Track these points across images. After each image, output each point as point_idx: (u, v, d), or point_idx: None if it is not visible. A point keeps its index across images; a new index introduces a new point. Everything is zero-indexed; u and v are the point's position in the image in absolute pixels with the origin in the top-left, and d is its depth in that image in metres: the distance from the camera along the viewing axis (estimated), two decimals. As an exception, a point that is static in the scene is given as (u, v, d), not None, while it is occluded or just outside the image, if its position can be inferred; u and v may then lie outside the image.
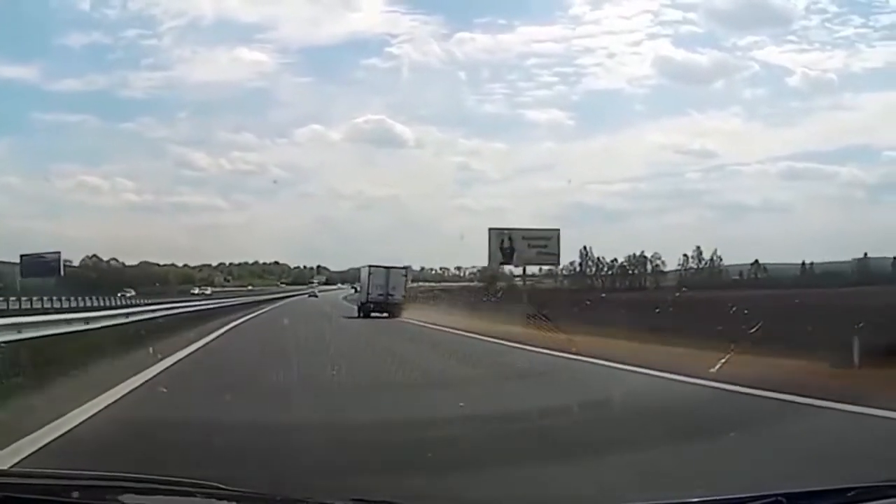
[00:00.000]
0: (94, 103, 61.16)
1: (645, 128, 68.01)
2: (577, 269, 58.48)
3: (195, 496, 2.35)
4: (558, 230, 35.08)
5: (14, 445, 4.76)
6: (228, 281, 64.12)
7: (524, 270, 35.19)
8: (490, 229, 33.65)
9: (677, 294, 31.35)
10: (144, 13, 70.17)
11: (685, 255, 54.71)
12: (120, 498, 2.32)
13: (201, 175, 66.93)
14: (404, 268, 34.09)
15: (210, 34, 66.75)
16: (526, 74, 75.77)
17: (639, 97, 73.16)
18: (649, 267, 57.53)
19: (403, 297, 32.44)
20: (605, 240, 61.37)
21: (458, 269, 61.68)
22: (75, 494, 2.28)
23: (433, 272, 62.49)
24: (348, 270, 67.19)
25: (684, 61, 56.90)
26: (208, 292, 50.07)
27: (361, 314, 31.47)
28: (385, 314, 30.32)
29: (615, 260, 58.14)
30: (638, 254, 58.32)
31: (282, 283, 65.08)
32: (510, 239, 33.15)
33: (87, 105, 63.75)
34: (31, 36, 59.80)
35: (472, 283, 57.30)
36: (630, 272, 57.42)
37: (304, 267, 67.74)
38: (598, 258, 58.06)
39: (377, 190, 71.25)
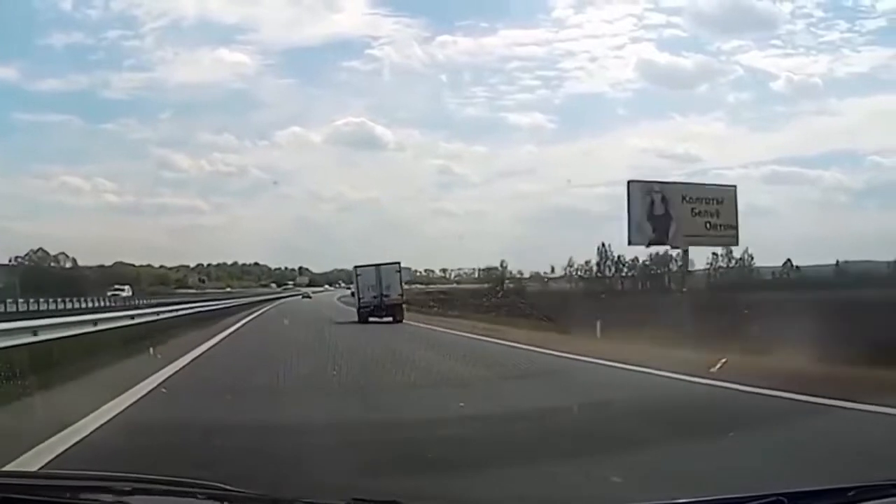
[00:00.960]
0: (75, 104, 60.12)
1: (627, 132, 68.49)
2: (595, 268, 53.57)
3: (196, 496, 2.35)
4: (734, 187, 22.03)
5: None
6: (203, 282, 61.29)
7: (685, 256, 22.57)
8: (630, 182, 20.95)
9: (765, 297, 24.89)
10: (126, 14, 69.38)
11: (714, 254, 48.42)
12: (120, 499, 2.32)
13: (182, 176, 66.45)
14: (396, 263, 29.96)
15: (191, 35, 66.68)
16: (508, 78, 76.34)
17: (621, 101, 73.49)
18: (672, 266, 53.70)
19: (400, 295, 29.08)
20: (587, 242, 61.15)
21: (444, 270, 60.78)
22: (74, 495, 2.30)
23: (418, 274, 62.30)
24: (332, 271, 67.02)
25: (667, 65, 57.05)
26: (126, 293, 42.64)
27: (360, 319, 28.30)
28: (388, 318, 27.27)
29: (636, 259, 52.92)
30: (661, 252, 53.83)
31: (262, 284, 64.01)
32: (664, 200, 20.45)
33: (69, 106, 62.98)
34: (11, 36, 59.00)
35: (461, 286, 54.13)
36: (654, 272, 51.54)
37: (286, 268, 67.18)
38: (619, 257, 52.71)
39: (358, 192, 71.49)
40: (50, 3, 56.83)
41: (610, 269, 53.36)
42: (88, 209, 60.33)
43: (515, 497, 3.92)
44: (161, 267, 57.85)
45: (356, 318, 28.06)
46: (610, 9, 79.21)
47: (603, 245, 51.65)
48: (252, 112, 75.79)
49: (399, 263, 29.93)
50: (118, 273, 51.26)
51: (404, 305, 29.27)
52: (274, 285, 65.28)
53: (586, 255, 56.70)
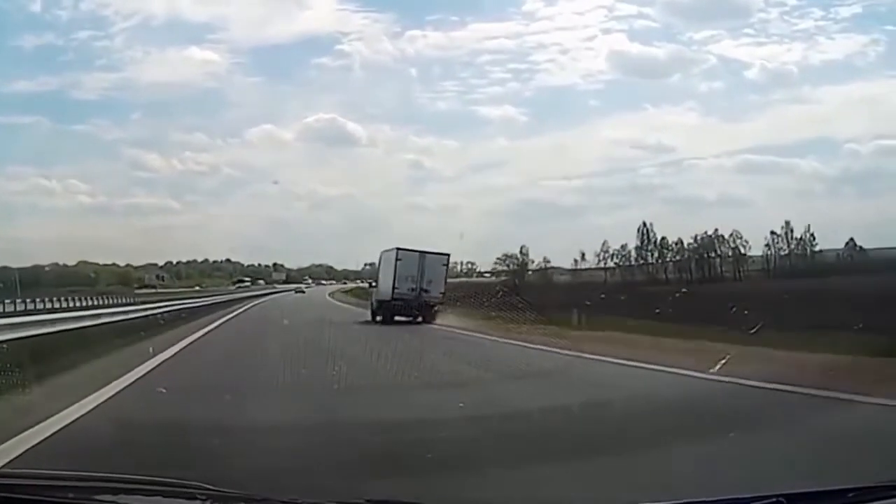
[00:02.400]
0: (46, 105, 59.09)
1: (600, 123, 68.54)
2: (635, 254, 45.74)
3: (196, 497, 2.37)
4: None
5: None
6: (163, 279, 56.66)
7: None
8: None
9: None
10: (96, 14, 67.80)
11: (773, 234, 42.56)
12: (116, 499, 2.34)
13: (154, 176, 65.25)
14: (446, 255, 23.93)
15: (162, 35, 65.89)
16: (479, 71, 76.08)
17: (593, 93, 73.70)
18: (723, 250, 44.26)
19: (442, 294, 23.07)
20: (564, 236, 61.25)
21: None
22: (72, 495, 2.31)
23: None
24: (310, 266, 66.54)
25: (639, 56, 56.86)
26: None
27: (379, 317, 22.70)
28: (419, 317, 21.99)
29: (679, 242, 45.47)
30: (710, 233, 45.27)
31: (234, 281, 62.91)
32: None
33: (40, 107, 61.69)
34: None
35: (470, 279, 46.46)
36: (705, 256, 44.60)
37: (259, 265, 66.23)
38: (662, 239, 45.30)
39: (330, 189, 70.65)
40: (18, 5, 55.18)
41: (651, 254, 45.90)
42: (59, 210, 58.96)
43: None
44: (128, 265, 56.54)
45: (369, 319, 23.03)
46: (580, 0, 79.20)
47: (644, 225, 45.30)
48: (223, 110, 75.14)
49: (448, 256, 24.20)
50: (73, 272, 49.84)
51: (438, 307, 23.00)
52: (247, 280, 62.44)
53: (564, 246, 55.82)
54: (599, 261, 46.13)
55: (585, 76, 77.84)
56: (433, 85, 76.51)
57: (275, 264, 65.27)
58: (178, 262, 61.61)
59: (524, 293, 26.90)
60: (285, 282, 63.01)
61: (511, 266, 47.37)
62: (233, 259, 64.58)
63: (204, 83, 71.93)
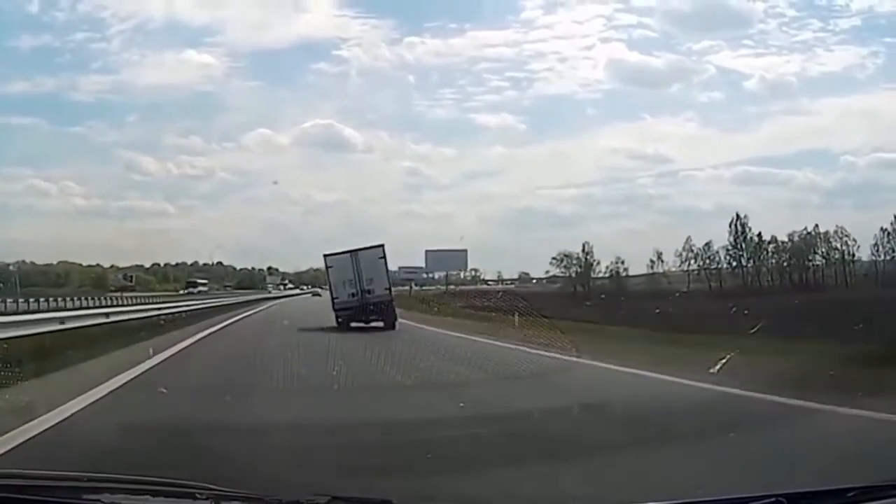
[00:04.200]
0: (42, 107, 58.55)
1: (598, 132, 68.31)
2: (727, 256, 38.06)
3: (194, 497, 2.36)
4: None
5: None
6: (131, 280, 50.95)
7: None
8: None
9: None
10: (93, 16, 67.28)
11: (883, 230, 35.98)
12: (117, 499, 2.32)
13: (149, 179, 64.54)
14: (378, 246, 22.01)
15: (159, 38, 65.07)
16: (477, 79, 75.62)
17: (592, 102, 73.00)
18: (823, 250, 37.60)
19: (387, 290, 21.18)
20: (557, 245, 60.94)
21: (475, 271, 57.92)
22: (72, 495, 2.31)
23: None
24: (307, 270, 65.79)
25: (638, 66, 56.63)
26: None
27: (338, 324, 20.42)
28: (378, 322, 20.14)
29: (774, 239, 37.87)
30: (809, 229, 38.12)
31: (225, 285, 61.93)
32: None
33: (36, 108, 61.22)
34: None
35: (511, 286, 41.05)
36: (806, 262, 37.62)
37: (252, 268, 65.61)
38: (759, 236, 37.61)
39: (326, 195, 70.23)
40: (16, 5, 54.84)
41: (744, 256, 37.82)
42: (51, 211, 58.23)
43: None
44: (112, 266, 55.56)
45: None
46: (580, 9, 78.93)
47: (737, 217, 37.69)
48: (220, 114, 74.30)
49: (382, 247, 22.00)
50: (41, 272, 47.70)
51: (394, 303, 21.65)
52: (203, 283, 54.58)
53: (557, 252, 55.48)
54: (682, 262, 39.04)
55: (584, 85, 77.65)
56: (431, 92, 76.29)
57: (269, 268, 64.38)
58: (165, 265, 60.86)
59: (599, 301, 22.72)
60: (281, 285, 62.09)
61: (571, 269, 40.27)
62: (224, 262, 63.97)
63: (200, 87, 71.54)
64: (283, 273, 64.25)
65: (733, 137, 57.87)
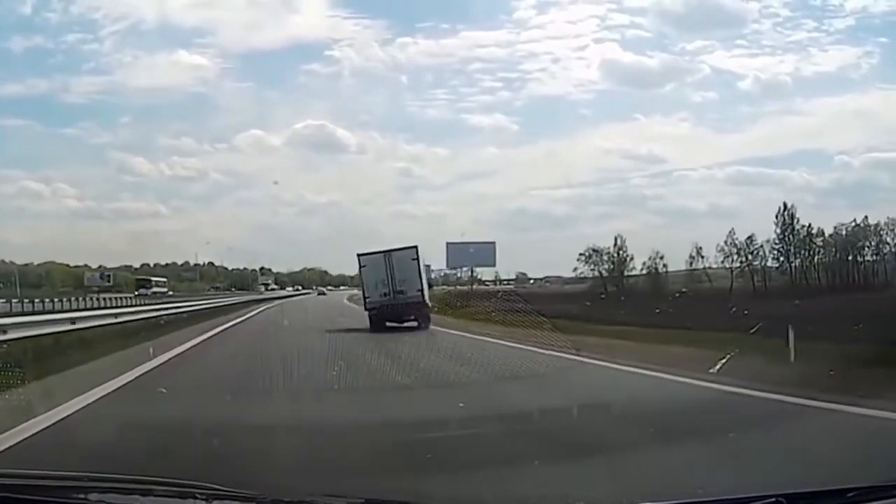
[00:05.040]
0: (35, 108, 58.29)
1: (591, 133, 68.33)
2: (774, 250, 33.92)
3: (195, 497, 2.36)
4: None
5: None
6: (108, 280, 47.98)
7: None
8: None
9: None
10: (85, 17, 66.98)
11: None
12: (118, 499, 2.33)
13: (141, 180, 64.05)
14: (412, 248, 21.84)
15: (151, 39, 65.09)
16: (469, 79, 75.44)
17: (585, 102, 72.72)
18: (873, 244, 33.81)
19: (420, 291, 21.00)
20: (550, 246, 60.86)
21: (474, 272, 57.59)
22: (72, 495, 2.30)
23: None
24: (301, 271, 65.37)
25: (632, 66, 56.38)
26: None
27: (372, 325, 20.49)
28: (412, 321, 20.19)
29: (820, 230, 33.70)
30: (859, 221, 33.96)
31: (214, 286, 61.16)
32: None
33: (29, 110, 61.11)
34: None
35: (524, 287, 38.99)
36: (856, 257, 33.22)
37: (245, 269, 65.23)
38: (808, 227, 33.48)
39: (318, 196, 70.18)
40: (8, 7, 54.45)
41: (792, 249, 33.53)
42: (43, 213, 57.65)
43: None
44: (100, 267, 54.64)
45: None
46: (573, 9, 79.20)
47: (785, 207, 33.63)
48: (212, 115, 74.12)
49: (416, 248, 21.83)
50: (12, 272, 46.03)
51: (429, 304, 21.51)
52: (158, 283, 50.51)
53: (552, 258, 53.97)
54: (726, 256, 34.97)
55: (577, 85, 77.51)
56: (423, 92, 76.61)
57: (261, 268, 64.07)
58: (155, 265, 60.37)
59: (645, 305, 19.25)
60: (268, 285, 61.49)
61: (602, 266, 36.19)
62: (217, 263, 63.58)
63: (193, 88, 71.46)
64: (277, 273, 64.22)
65: (727, 137, 58.01)
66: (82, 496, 2.30)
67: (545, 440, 5.81)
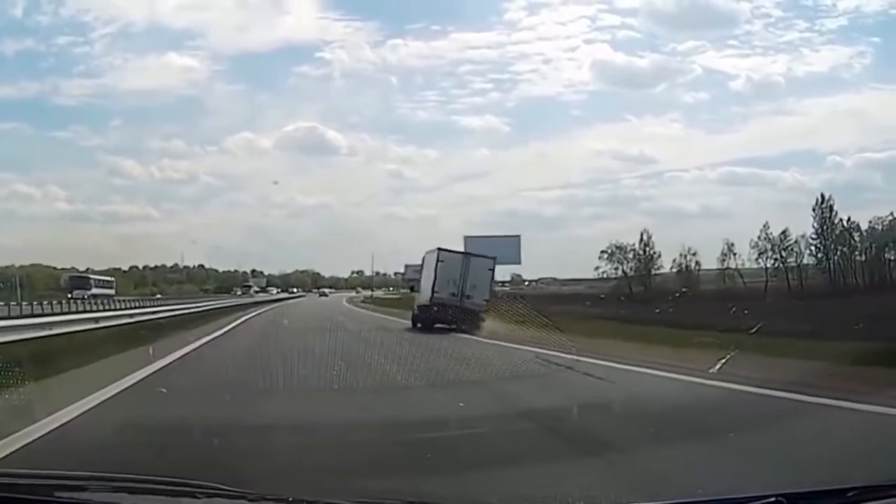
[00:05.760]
0: (26, 111, 57.99)
1: (582, 134, 68.55)
2: (813, 246, 31.00)
3: (196, 496, 2.36)
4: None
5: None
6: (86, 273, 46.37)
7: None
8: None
9: None
10: (76, 20, 66.61)
11: None
12: (117, 498, 2.33)
13: (132, 183, 63.75)
14: (491, 258, 21.87)
15: (141, 41, 65.10)
16: (460, 81, 75.39)
17: (576, 103, 73.08)
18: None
19: (486, 301, 20.27)
20: (542, 248, 60.87)
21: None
22: (72, 494, 2.30)
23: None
24: (293, 273, 65.03)
25: (623, 67, 56.27)
26: None
27: (419, 324, 20.29)
28: (461, 326, 18.60)
29: (856, 227, 30.79)
30: None
31: (203, 288, 60.47)
32: None
33: (20, 113, 60.89)
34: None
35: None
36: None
37: (236, 271, 64.82)
38: (848, 221, 30.71)
39: (309, 197, 70.28)
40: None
41: (832, 245, 30.60)
42: (34, 216, 57.12)
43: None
44: (88, 270, 54.02)
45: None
46: (563, 10, 79.78)
47: (823, 199, 30.76)
48: (202, 118, 74.36)
49: (494, 260, 22.01)
50: None
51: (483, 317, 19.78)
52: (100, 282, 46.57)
53: (543, 261, 54.16)
54: (761, 253, 32.14)
55: (568, 86, 77.65)
56: (414, 94, 76.45)
57: (252, 271, 63.59)
58: (144, 267, 59.85)
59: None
60: (268, 289, 60.05)
61: (627, 264, 33.18)
62: (207, 265, 63.16)
63: (183, 90, 71.52)
64: (269, 276, 63.88)
65: (719, 138, 58.21)
66: (82, 496, 2.30)
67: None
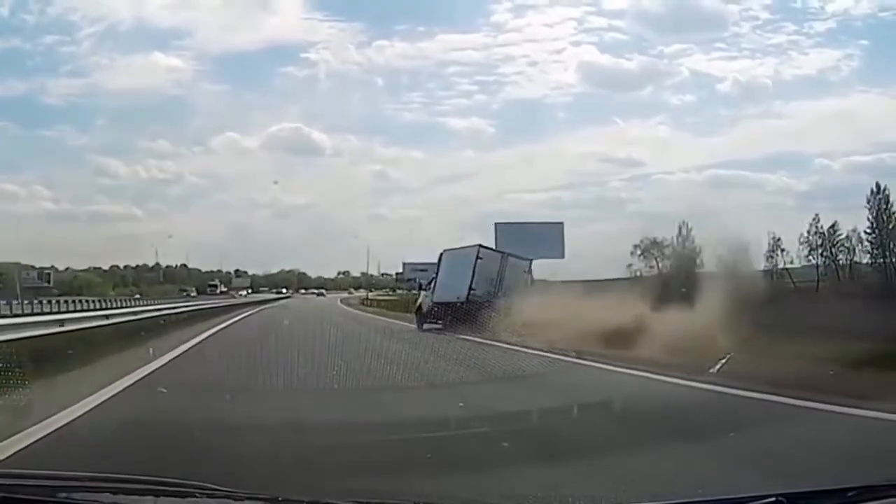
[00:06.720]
0: (11, 110, 57.20)
1: (568, 136, 68.02)
2: (868, 245, 28.29)
3: (195, 496, 2.36)
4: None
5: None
6: (49, 281, 44.21)
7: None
8: None
9: None
10: (63, 19, 65.95)
11: None
12: (117, 499, 2.32)
13: (117, 183, 63.08)
14: (527, 260, 21.50)
15: (127, 41, 64.49)
16: (446, 83, 75.10)
17: (562, 105, 72.86)
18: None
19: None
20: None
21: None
22: (71, 495, 2.28)
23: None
24: (279, 273, 64.42)
25: (610, 69, 56.25)
26: None
27: (439, 324, 19.28)
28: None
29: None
30: None
31: (181, 289, 59.54)
32: None
33: (4, 112, 60.40)
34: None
35: None
36: None
37: (219, 270, 64.27)
38: None
39: (295, 198, 70.15)
40: None
41: (891, 242, 27.43)
42: (19, 215, 56.17)
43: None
44: (68, 269, 53.20)
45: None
46: (550, 12, 79.66)
47: (878, 189, 27.52)
48: (188, 118, 73.91)
49: (530, 262, 21.45)
50: None
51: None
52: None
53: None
54: (811, 250, 29.56)
55: (554, 88, 77.05)
56: (400, 95, 76.13)
57: (236, 271, 63.16)
58: (125, 266, 59.19)
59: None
60: (251, 289, 59.60)
61: (663, 261, 27.66)
62: (190, 265, 62.55)
63: (169, 90, 70.81)
64: (253, 276, 63.51)
65: (706, 141, 58.33)
66: (82, 496, 2.29)
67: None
